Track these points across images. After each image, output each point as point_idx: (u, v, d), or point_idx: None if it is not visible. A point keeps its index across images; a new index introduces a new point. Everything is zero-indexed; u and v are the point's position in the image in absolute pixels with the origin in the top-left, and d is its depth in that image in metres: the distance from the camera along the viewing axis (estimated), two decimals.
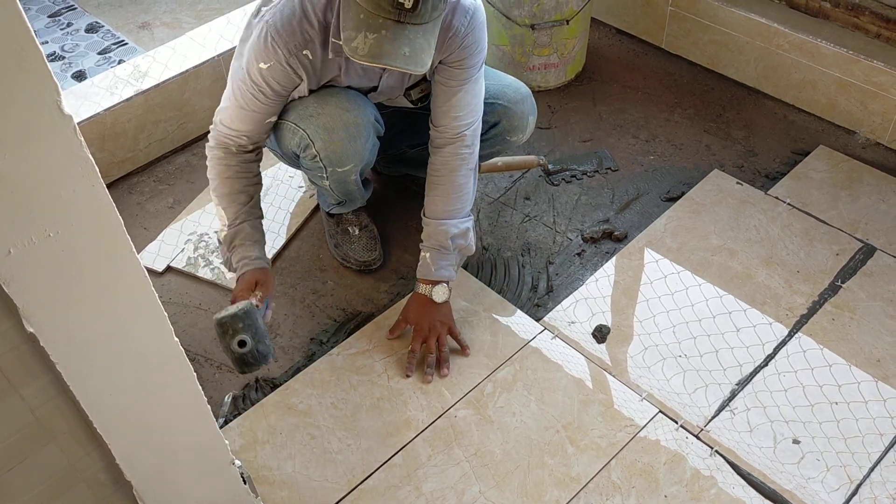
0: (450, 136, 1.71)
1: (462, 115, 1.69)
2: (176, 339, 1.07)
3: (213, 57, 2.33)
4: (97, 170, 0.85)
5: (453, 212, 1.75)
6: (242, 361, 1.50)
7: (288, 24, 1.53)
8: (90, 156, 0.84)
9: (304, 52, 1.56)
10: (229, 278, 1.99)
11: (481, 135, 1.76)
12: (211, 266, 2.03)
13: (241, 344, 1.48)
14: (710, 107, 2.45)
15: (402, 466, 1.60)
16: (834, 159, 2.23)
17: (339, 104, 1.66)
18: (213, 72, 2.34)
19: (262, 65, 1.56)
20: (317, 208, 2.16)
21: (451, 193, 1.74)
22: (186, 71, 2.30)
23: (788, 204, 2.10)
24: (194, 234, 2.12)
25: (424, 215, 1.78)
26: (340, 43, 1.52)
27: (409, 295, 1.81)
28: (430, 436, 1.65)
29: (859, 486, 1.54)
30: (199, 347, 1.87)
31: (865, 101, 2.27)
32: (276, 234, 2.08)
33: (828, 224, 2.04)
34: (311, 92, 1.67)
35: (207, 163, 1.71)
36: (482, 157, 1.87)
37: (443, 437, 1.65)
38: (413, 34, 1.39)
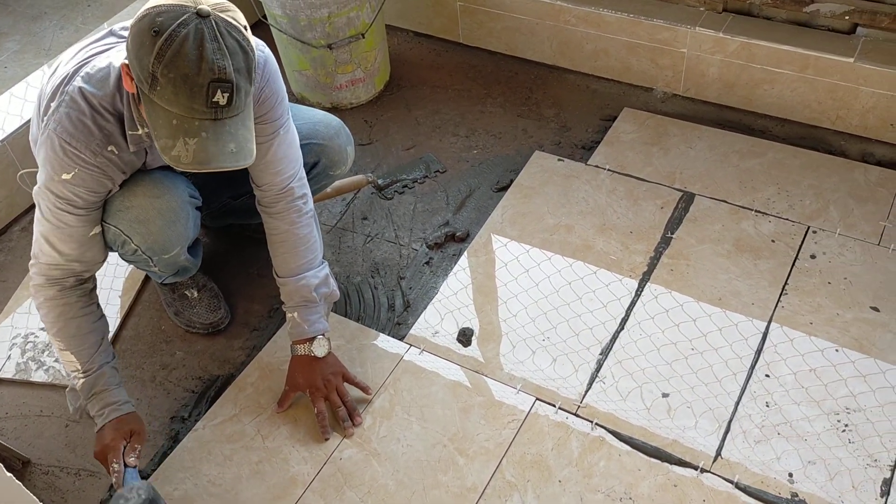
0: (276, 193, 1.62)
1: (283, 169, 1.61)
2: (9, 474, 0.97)
3: None
4: None
5: (307, 264, 1.67)
6: None
7: (80, 124, 1.40)
8: None
9: (110, 149, 1.44)
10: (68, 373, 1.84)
11: None
12: (44, 367, 1.87)
13: None
14: (518, 91, 2.52)
15: None
16: (639, 118, 2.35)
17: (146, 192, 1.55)
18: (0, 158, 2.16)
19: (64, 176, 1.42)
20: (148, 278, 2.04)
21: (300, 247, 1.66)
22: None
23: (608, 170, 2.19)
24: (18, 336, 1.94)
25: (279, 276, 1.68)
26: (139, 134, 1.44)
27: (291, 360, 1.71)
28: (319, 486, 1.59)
29: (729, 423, 1.64)
30: (50, 458, 1.71)
31: (655, 58, 2.40)
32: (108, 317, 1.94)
33: (647, 181, 2.15)
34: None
35: (38, 306, 1.53)
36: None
37: (332, 483, 1.60)
38: (234, 127, 1.30)
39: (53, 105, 1.42)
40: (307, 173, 1.76)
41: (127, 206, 1.53)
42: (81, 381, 1.53)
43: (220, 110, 1.27)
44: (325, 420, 1.67)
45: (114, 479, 1.49)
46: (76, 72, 1.44)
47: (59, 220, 1.47)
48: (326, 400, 1.68)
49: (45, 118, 1.44)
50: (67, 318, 1.52)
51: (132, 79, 1.30)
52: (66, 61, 1.51)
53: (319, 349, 1.67)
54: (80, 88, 1.41)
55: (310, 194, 1.69)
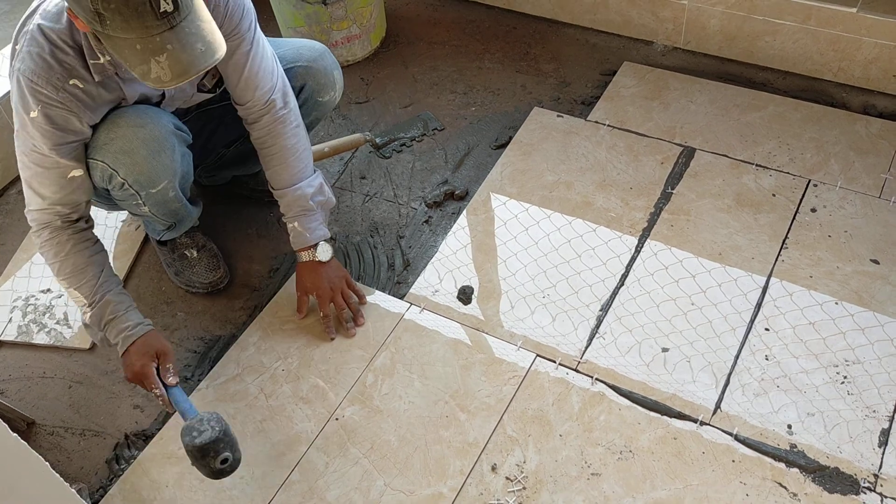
0: (260, 108, 1.66)
1: (262, 84, 1.64)
2: (14, 435, 0.98)
3: None
4: None
5: (299, 173, 1.72)
6: (221, 474, 1.44)
7: (39, 59, 1.40)
8: None
9: (72, 82, 1.43)
10: (69, 337, 1.85)
11: None
12: (46, 329, 1.87)
13: (224, 461, 1.42)
14: (517, 46, 2.48)
15: (301, 482, 1.56)
16: (639, 72, 2.32)
17: (130, 122, 1.54)
18: None
19: (32, 114, 1.43)
20: (146, 239, 2.03)
21: (289, 158, 1.70)
22: None
23: (608, 126, 2.17)
24: (19, 299, 1.94)
25: (274, 188, 1.74)
26: (101, 63, 1.43)
27: (296, 267, 1.79)
28: (323, 443, 1.61)
29: (728, 376, 1.65)
30: (55, 419, 1.73)
31: (655, 11, 2.36)
32: None
33: (648, 136, 2.13)
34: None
35: (39, 251, 1.58)
36: None
37: (335, 440, 1.61)
38: (192, 27, 1.30)
39: (17, 47, 1.43)
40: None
41: (111, 137, 1.54)
42: (89, 313, 1.56)
43: (171, 17, 1.26)
44: (330, 322, 1.76)
45: (161, 403, 1.54)
46: (35, 10, 1.45)
47: (35, 162, 1.49)
48: (332, 302, 1.75)
49: (12, 61, 1.44)
50: (62, 257, 1.55)
51: (83, 21, 1.29)
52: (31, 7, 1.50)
53: (323, 254, 1.74)
54: (38, 25, 1.41)
55: (295, 103, 1.71)
